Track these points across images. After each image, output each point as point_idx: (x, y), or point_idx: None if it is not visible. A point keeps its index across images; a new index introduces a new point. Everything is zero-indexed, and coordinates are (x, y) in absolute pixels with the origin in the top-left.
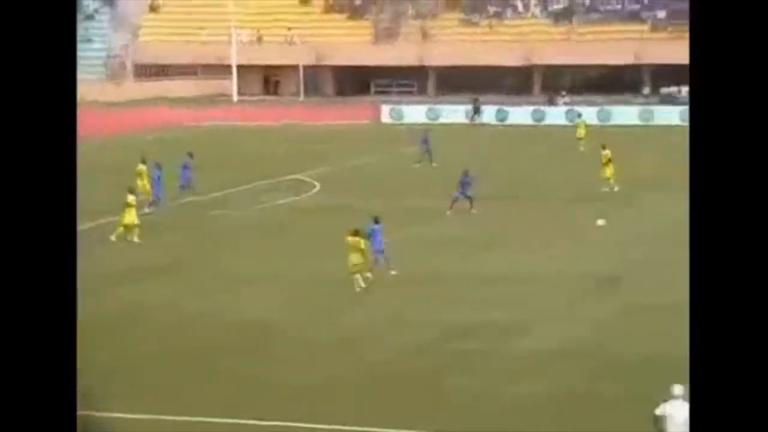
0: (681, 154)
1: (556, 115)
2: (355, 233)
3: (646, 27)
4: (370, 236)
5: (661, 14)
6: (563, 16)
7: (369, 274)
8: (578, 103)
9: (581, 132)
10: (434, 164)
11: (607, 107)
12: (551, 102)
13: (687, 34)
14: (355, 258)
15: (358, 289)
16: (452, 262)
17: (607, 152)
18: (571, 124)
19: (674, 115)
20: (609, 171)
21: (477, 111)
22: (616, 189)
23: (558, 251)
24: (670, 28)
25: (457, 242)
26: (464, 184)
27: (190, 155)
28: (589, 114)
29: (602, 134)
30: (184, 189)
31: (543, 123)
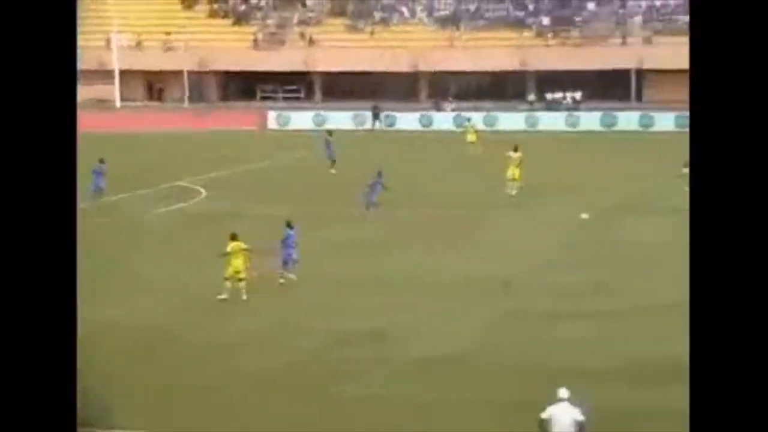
0: (569, 159)
1: (443, 120)
2: (234, 237)
3: (530, 33)
4: (283, 241)
5: (546, 21)
6: (449, 22)
7: (244, 277)
8: (465, 109)
9: (471, 137)
10: (332, 171)
11: (493, 113)
12: (438, 107)
13: (571, 41)
14: (236, 264)
15: (244, 297)
16: (348, 266)
17: (518, 154)
18: (459, 129)
19: (559, 121)
20: (517, 173)
21: (377, 117)
22: (513, 193)
23: (454, 256)
24: (552, 35)
25: (355, 247)
26: (374, 186)
27: (102, 161)
28: (476, 120)
29: (492, 139)
30: (95, 194)
31: (431, 128)
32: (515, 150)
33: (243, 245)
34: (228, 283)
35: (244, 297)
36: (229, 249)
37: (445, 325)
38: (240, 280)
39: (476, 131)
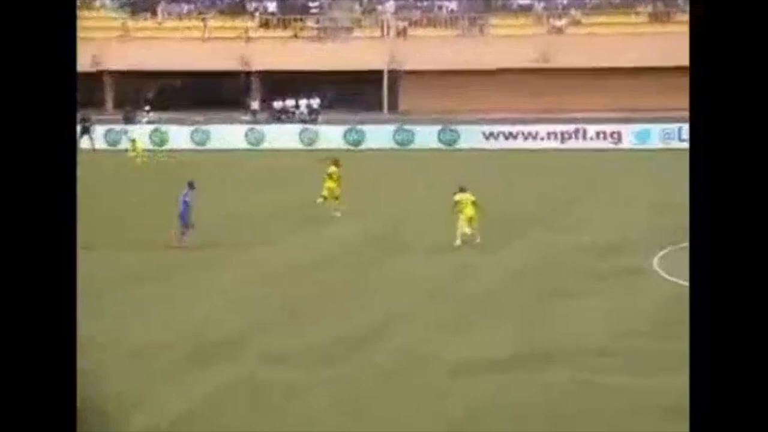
0: (303, 183)
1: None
2: None
3: (253, 23)
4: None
5: (272, 6)
6: (142, 6)
7: None
8: (167, 121)
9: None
10: None
11: (204, 127)
12: (128, 119)
13: (305, 33)
14: None
15: None
16: None
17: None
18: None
19: (291, 137)
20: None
21: (86, 131)
22: (338, 214)
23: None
24: (280, 25)
25: None
26: (185, 206)
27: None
28: (182, 135)
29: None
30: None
31: (119, 147)
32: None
33: None
34: None
35: None
36: None
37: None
38: None
39: (144, 150)
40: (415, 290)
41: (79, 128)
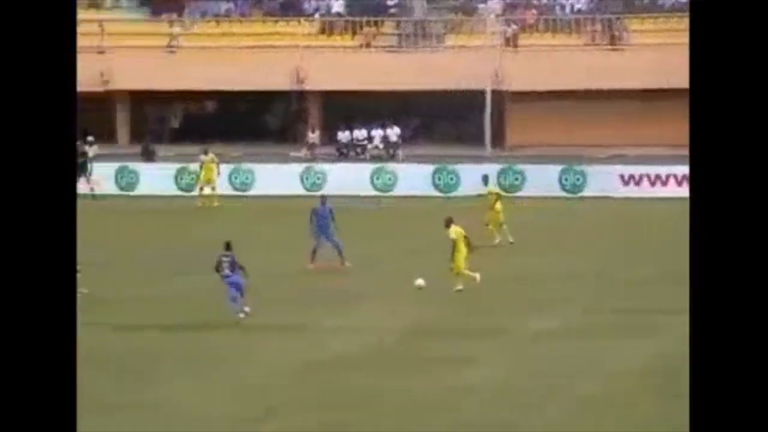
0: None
1: (155, 177)
2: None
3: (313, 27)
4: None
5: (337, 6)
6: (165, 6)
7: None
8: (196, 158)
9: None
10: None
11: (246, 165)
12: (148, 155)
13: (382, 42)
14: None
15: None
16: None
17: None
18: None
19: (361, 180)
20: None
21: (82, 170)
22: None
23: None
24: (348, 31)
25: None
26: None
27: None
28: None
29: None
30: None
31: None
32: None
33: None
34: None
35: None
36: None
37: None
38: None
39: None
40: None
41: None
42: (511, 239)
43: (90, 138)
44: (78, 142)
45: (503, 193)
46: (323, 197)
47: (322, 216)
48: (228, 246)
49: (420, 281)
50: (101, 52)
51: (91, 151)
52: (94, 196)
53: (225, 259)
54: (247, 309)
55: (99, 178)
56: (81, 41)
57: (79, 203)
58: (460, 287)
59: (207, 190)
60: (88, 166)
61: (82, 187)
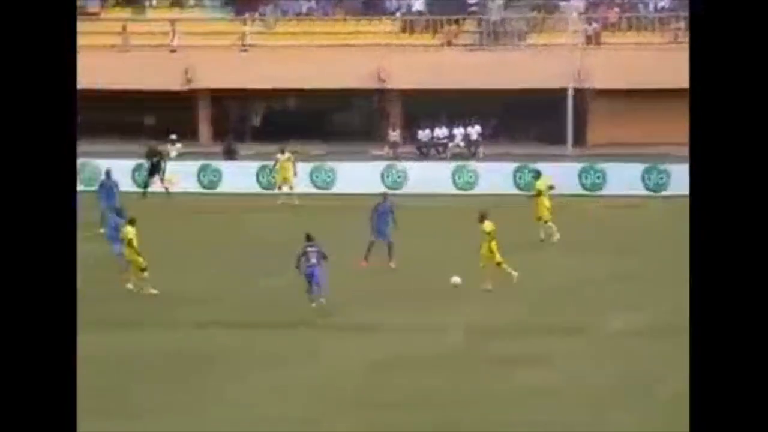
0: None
1: (238, 175)
2: None
3: (394, 25)
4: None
5: (419, 4)
6: (247, 6)
7: None
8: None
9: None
10: None
11: (327, 164)
12: (230, 153)
13: (464, 40)
14: None
15: None
16: None
17: None
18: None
19: (442, 178)
20: None
21: (156, 169)
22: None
23: None
24: (430, 30)
25: None
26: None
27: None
28: (298, 174)
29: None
30: None
31: (217, 190)
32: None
33: None
34: None
35: None
36: None
37: None
38: None
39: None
40: None
41: (146, 164)
42: (556, 237)
43: (173, 136)
44: (153, 142)
45: (585, 193)
46: (384, 194)
47: (382, 213)
48: (309, 237)
49: (456, 279)
50: (183, 52)
51: (174, 149)
52: (168, 194)
53: (310, 249)
54: (323, 300)
55: (181, 176)
56: (163, 40)
57: (156, 202)
58: (489, 286)
59: (285, 189)
60: (162, 164)
61: (156, 186)
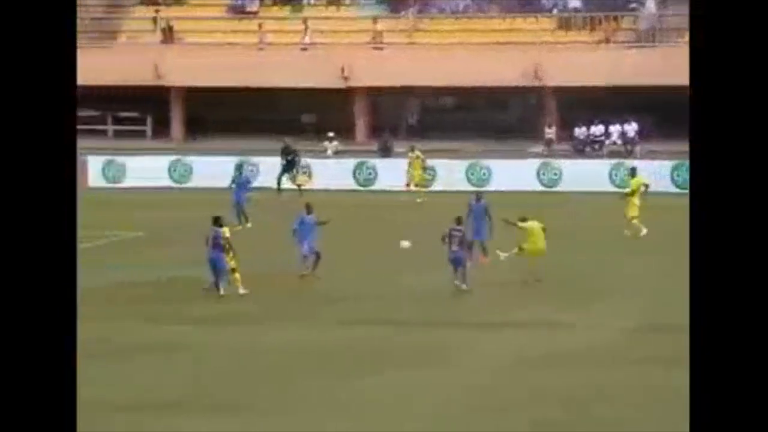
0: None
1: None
2: None
3: (549, 22)
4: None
5: (575, 1)
6: (400, 5)
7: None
8: (433, 154)
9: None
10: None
11: (484, 161)
12: (385, 150)
13: (620, 37)
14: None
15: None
16: None
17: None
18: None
19: (598, 175)
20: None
21: (292, 165)
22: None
23: None
24: (587, 26)
25: None
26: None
27: None
28: (453, 172)
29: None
30: None
31: (373, 188)
32: (522, 220)
33: None
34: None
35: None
36: None
37: None
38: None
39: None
40: None
41: (281, 162)
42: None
43: (330, 134)
44: (286, 138)
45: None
46: (478, 193)
47: (476, 212)
48: (459, 220)
49: (405, 243)
50: (339, 49)
51: (331, 147)
52: (300, 192)
53: (455, 233)
54: (465, 287)
55: (338, 173)
56: (319, 38)
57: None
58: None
59: (412, 187)
60: (297, 162)
61: (288, 184)
